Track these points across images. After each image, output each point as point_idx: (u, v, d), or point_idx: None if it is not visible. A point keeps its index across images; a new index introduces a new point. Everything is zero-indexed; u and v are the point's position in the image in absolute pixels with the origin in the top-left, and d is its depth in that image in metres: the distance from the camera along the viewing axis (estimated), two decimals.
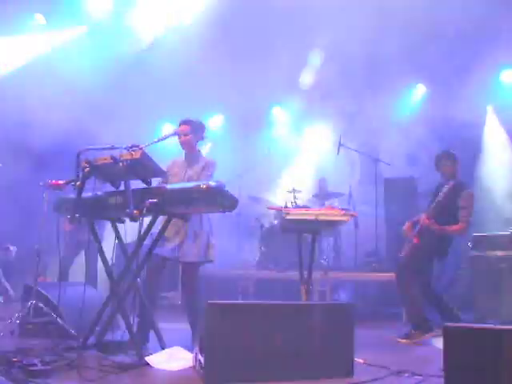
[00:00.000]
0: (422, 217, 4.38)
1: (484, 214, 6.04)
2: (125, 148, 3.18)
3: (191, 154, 4.02)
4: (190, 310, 3.83)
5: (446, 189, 4.28)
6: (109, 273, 3.57)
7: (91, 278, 5.64)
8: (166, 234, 3.73)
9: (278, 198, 7.20)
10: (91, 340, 3.54)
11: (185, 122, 3.99)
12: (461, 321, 4.35)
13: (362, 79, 7.11)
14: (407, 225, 4.60)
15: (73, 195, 3.35)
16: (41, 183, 4.45)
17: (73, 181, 3.21)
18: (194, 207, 3.22)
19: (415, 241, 4.40)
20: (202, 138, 4.12)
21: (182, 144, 3.99)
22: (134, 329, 3.42)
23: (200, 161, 3.98)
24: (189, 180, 3.86)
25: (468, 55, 6.15)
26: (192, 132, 3.96)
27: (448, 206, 4.30)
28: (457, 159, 4.58)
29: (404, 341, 4.20)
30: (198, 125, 4.04)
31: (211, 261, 3.92)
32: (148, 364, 3.11)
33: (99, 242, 3.61)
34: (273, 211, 6.64)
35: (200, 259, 3.81)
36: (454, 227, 4.33)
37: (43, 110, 6.33)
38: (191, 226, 3.77)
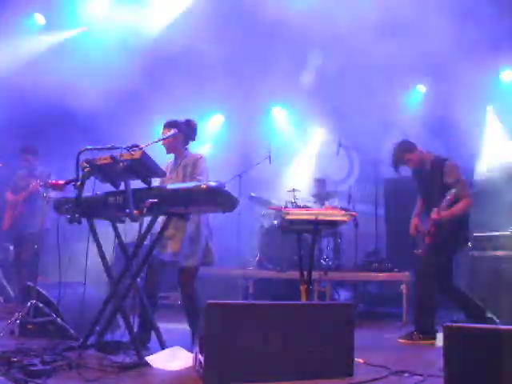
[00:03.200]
0: (433, 214, 4.09)
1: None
2: (125, 148, 3.18)
3: (178, 156, 3.93)
4: (189, 312, 3.82)
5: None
6: (108, 273, 3.57)
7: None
8: (164, 238, 3.71)
9: (278, 197, 7.19)
10: (91, 340, 3.54)
11: (166, 125, 3.86)
12: (486, 315, 4.17)
13: (362, 79, 7.11)
14: (414, 220, 4.43)
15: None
16: (41, 183, 4.46)
17: (73, 181, 3.21)
18: (193, 207, 3.22)
19: (428, 241, 4.19)
20: (192, 139, 3.98)
21: (165, 148, 3.88)
22: (134, 329, 3.42)
23: (188, 158, 3.89)
24: (183, 180, 3.81)
25: (468, 55, 6.14)
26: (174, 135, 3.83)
27: (440, 188, 4.08)
28: (414, 144, 4.35)
29: (404, 341, 4.16)
30: (182, 126, 3.89)
31: (209, 264, 3.88)
32: (148, 364, 3.11)
33: (98, 242, 3.61)
34: (273, 211, 6.64)
35: (197, 264, 3.77)
36: (459, 206, 4.04)
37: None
38: (188, 231, 3.73)
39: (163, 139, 3.78)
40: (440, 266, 4.23)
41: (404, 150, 4.36)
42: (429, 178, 4.29)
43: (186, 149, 3.97)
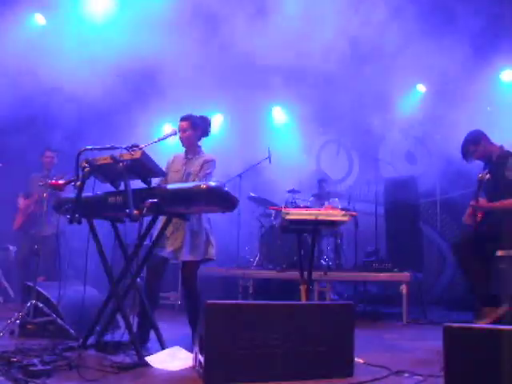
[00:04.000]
0: (472, 201, 4.08)
1: None
2: (125, 148, 3.18)
3: (191, 150, 4.00)
4: (190, 310, 3.83)
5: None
6: (108, 273, 3.57)
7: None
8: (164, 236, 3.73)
9: (278, 198, 7.20)
10: (91, 340, 3.54)
11: (184, 119, 3.97)
12: None
13: (362, 79, 7.11)
14: (468, 211, 4.32)
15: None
16: (41, 183, 4.46)
17: (73, 181, 3.21)
18: (194, 207, 3.22)
19: (479, 218, 4.10)
20: (206, 134, 4.08)
21: (182, 140, 3.97)
22: (134, 329, 3.42)
23: (199, 157, 3.95)
24: (187, 176, 3.86)
25: (468, 55, 6.15)
26: (191, 128, 3.94)
27: (499, 181, 3.99)
28: (482, 138, 4.31)
29: (481, 321, 3.84)
30: (198, 121, 4.00)
31: (211, 259, 3.90)
32: (148, 364, 3.11)
33: (99, 242, 3.61)
34: (273, 211, 6.64)
35: (198, 258, 3.79)
36: (505, 202, 3.96)
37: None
38: (189, 225, 3.75)
39: (162, 139, 3.79)
40: (475, 266, 4.14)
41: (469, 141, 4.37)
42: (492, 171, 4.17)
43: (199, 146, 4.04)
